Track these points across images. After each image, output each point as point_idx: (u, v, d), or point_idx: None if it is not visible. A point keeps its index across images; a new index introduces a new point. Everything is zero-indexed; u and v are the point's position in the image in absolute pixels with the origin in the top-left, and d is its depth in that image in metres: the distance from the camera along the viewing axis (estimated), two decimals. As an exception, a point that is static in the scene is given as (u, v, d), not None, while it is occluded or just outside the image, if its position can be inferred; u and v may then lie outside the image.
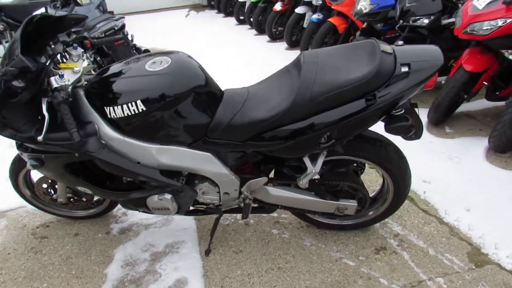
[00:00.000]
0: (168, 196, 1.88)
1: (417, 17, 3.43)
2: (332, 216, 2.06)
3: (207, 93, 1.72)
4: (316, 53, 1.70)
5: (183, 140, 1.74)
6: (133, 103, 1.62)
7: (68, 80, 1.70)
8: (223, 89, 1.87)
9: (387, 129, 1.63)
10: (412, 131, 1.60)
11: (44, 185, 2.23)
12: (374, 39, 1.66)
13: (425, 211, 2.30)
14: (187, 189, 1.87)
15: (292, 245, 2.13)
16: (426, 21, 3.38)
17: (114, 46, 4.26)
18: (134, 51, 4.77)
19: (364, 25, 4.23)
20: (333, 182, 1.90)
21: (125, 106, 1.63)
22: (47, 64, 1.73)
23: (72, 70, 1.77)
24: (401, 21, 3.54)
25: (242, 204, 1.97)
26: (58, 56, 1.81)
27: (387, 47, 1.58)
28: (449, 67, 3.21)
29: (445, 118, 3.28)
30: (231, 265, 2.03)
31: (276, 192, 1.92)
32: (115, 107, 1.65)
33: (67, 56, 1.85)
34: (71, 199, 2.27)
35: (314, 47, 4.85)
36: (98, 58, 4.61)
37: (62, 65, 1.79)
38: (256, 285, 1.90)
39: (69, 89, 1.70)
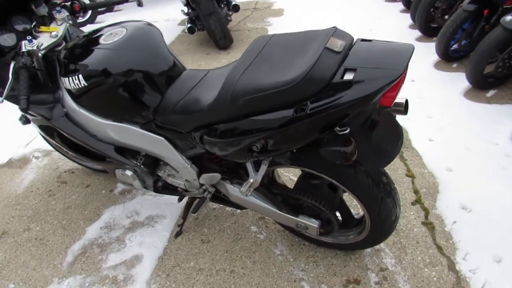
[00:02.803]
0: (128, 172, 1.83)
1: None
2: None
3: (156, 74, 1.56)
4: (267, 39, 1.36)
5: (134, 120, 1.63)
6: (76, 77, 1.56)
7: (41, 45, 1.71)
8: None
9: (320, 151, 1.25)
10: (350, 160, 1.19)
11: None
12: (335, 28, 1.25)
13: (440, 248, 1.80)
14: (143, 171, 1.79)
15: (261, 249, 1.91)
16: (551, -10, 2.47)
17: (197, 0, 4.23)
18: (223, 5, 4.67)
19: (482, -11, 3.33)
20: (293, 195, 1.60)
21: (70, 79, 1.58)
22: (32, 26, 1.78)
23: (50, 34, 1.78)
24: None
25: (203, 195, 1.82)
26: (45, 18, 1.83)
27: (337, 43, 1.17)
28: None
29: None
30: (190, 254, 1.93)
31: (234, 191, 1.71)
32: (65, 78, 1.62)
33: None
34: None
35: (420, 12, 4.05)
36: (190, 10, 4.67)
37: (42, 28, 1.80)
38: (198, 284, 1.78)
39: (40, 54, 1.72)
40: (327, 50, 1.15)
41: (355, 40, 1.24)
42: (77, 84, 1.57)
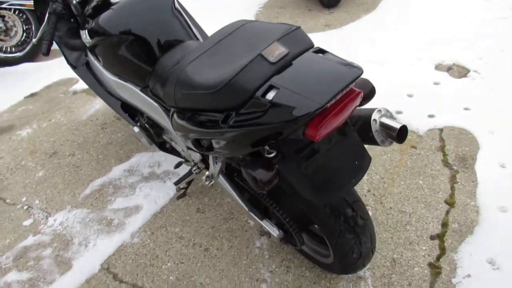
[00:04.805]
0: (136, 129, 1.89)
1: None
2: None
3: (150, 41, 1.52)
4: (238, 25, 1.20)
5: (135, 81, 1.65)
6: (85, 33, 1.61)
7: None
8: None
9: (241, 168, 1.08)
10: (263, 189, 1.00)
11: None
12: (294, 28, 1.03)
13: (432, 300, 1.51)
14: (142, 131, 1.83)
15: (244, 235, 1.84)
16: None
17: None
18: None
19: None
20: (260, 196, 1.46)
21: (82, 32, 1.64)
22: None
23: None
24: None
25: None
26: None
27: (274, 51, 0.96)
28: None
29: None
30: (180, 219, 1.96)
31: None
32: (81, 31, 1.68)
33: None
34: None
35: None
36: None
37: None
38: (170, 251, 1.82)
39: (75, 1, 1.81)
40: (261, 57, 0.96)
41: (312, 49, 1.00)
42: (85, 38, 1.62)
